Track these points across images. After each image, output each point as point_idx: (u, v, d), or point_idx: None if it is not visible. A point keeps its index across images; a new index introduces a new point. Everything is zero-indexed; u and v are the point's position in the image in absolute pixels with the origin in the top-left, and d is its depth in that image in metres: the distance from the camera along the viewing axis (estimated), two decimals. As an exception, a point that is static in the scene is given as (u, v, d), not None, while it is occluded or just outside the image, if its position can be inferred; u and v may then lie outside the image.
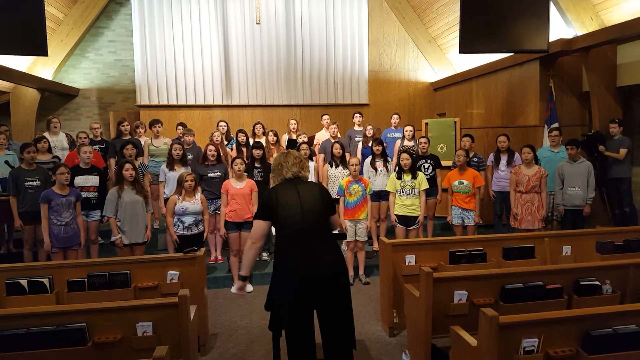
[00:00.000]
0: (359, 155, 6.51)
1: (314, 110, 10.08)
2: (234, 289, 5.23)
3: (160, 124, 6.66)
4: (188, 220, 4.78)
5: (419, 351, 3.24)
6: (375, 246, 6.07)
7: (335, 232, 3.00)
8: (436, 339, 3.20)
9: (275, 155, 2.90)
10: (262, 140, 6.55)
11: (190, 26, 9.69)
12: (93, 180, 5.20)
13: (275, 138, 6.54)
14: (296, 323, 2.62)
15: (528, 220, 5.24)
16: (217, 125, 6.90)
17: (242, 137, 6.52)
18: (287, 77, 10.14)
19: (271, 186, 2.93)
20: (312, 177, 5.75)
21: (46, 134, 6.48)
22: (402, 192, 5.24)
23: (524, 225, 5.24)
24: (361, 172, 5.69)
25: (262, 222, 2.77)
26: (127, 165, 4.67)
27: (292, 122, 7.24)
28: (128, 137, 6.52)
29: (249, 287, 5.26)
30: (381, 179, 5.83)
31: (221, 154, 5.89)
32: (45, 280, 3.44)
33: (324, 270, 2.61)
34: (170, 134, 7.69)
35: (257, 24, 9.49)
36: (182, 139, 6.34)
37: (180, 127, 7.07)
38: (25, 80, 8.44)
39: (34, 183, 5.08)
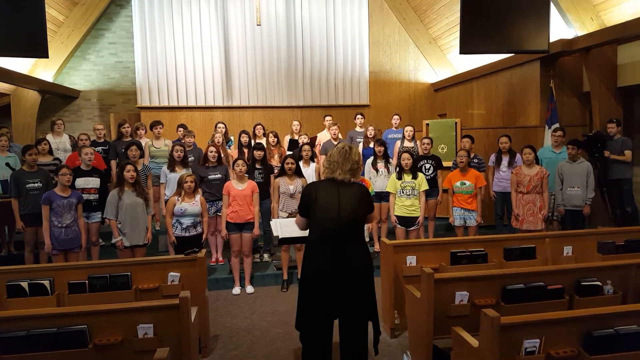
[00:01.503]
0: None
1: (314, 112, 10.09)
2: (235, 291, 5.24)
3: (161, 126, 6.66)
4: (186, 221, 4.78)
5: (420, 352, 3.24)
6: (377, 247, 6.06)
7: None
8: (437, 340, 3.20)
9: (338, 146, 2.82)
10: (263, 141, 6.55)
11: (191, 28, 9.70)
12: (94, 182, 5.20)
13: (275, 139, 6.53)
14: (318, 321, 2.63)
15: (530, 221, 5.23)
16: (216, 127, 6.89)
17: (244, 138, 6.52)
18: (288, 78, 10.14)
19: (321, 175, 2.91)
20: (313, 178, 5.75)
21: (49, 136, 6.48)
22: (402, 192, 5.24)
23: (525, 226, 5.23)
24: (362, 173, 5.69)
25: (304, 219, 2.83)
26: (129, 167, 4.67)
27: (295, 123, 7.25)
28: (129, 138, 6.52)
29: (250, 289, 5.26)
30: (382, 179, 5.82)
31: (222, 156, 5.89)
32: (46, 282, 3.44)
33: (352, 271, 2.62)
34: (171, 135, 7.69)
35: (257, 25, 9.48)
36: (183, 141, 6.34)
37: (181, 129, 7.08)
38: (26, 82, 8.45)
39: (36, 185, 5.08)
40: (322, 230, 2.65)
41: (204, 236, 4.95)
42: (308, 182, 5.04)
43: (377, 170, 5.87)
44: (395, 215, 5.30)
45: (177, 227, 4.79)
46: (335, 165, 2.74)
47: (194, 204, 4.81)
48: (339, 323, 2.71)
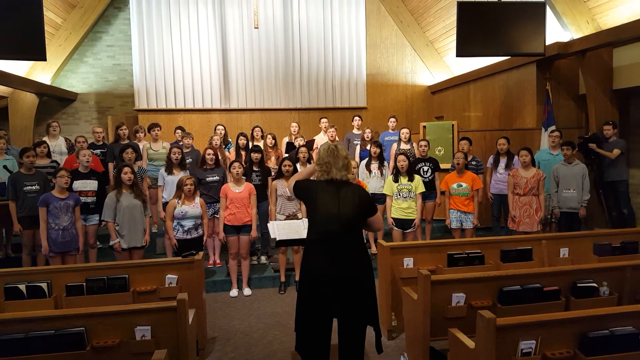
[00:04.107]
0: (357, 159, 6.53)
1: (312, 114, 10.11)
2: (232, 293, 5.24)
3: (159, 128, 6.67)
4: (187, 224, 4.78)
5: (417, 354, 3.25)
6: (373, 249, 6.07)
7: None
8: (434, 342, 3.21)
9: (323, 147, 2.79)
10: (261, 143, 6.56)
11: (189, 30, 9.72)
12: (91, 184, 5.20)
13: (273, 141, 6.55)
14: (317, 321, 2.64)
15: (526, 223, 5.25)
16: (215, 129, 6.91)
17: (242, 141, 6.52)
18: (286, 81, 10.16)
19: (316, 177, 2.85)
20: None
21: (45, 138, 6.48)
22: (399, 195, 5.25)
23: (522, 228, 5.25)
24: (358, 176, 5.70)
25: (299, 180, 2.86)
26: (126, 169, 4.68)
27: (294, 124, 7.27)
28: (126, 141, 6.52)
29: (247, 291, 5.26)
30: (375, 181, 5.83)
31: (220, 158, 5.90)
32: (44, 285, 3.43)
33: (351, 272, 2.62)
34: (169, 137, 7.70)
35: (255, 28, 9.51)
36: (181, 143, 6.35)
37: (178, 131, 7.08)
38: (24, 85, 8.45)
39: (33, 187, 5.07)
40: (322, 232, 2.65)
41: (204, 238, 4.96)
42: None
43: (370, 172, 5.88)
44: (392, 218, 5.31)
45: (178, 230, 4.79)
46: (329, 166, 2.71)
47: (194, 206, 4.81)
48: (337, 324, 2.72)
